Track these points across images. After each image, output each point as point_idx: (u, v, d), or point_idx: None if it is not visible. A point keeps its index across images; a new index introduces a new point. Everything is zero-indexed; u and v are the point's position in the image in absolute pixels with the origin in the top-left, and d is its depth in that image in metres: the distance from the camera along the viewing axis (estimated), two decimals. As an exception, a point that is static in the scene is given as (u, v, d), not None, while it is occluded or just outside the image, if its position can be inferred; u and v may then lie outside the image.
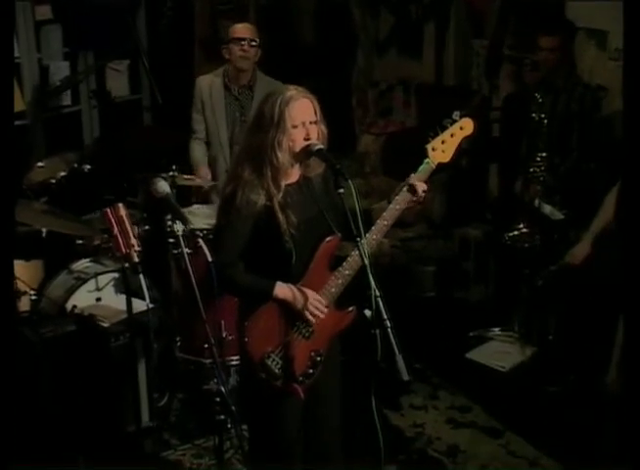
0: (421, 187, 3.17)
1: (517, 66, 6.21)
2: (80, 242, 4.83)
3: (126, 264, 3.60)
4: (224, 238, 3.15)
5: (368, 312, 2.85)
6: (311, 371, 3.22)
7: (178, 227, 3.23)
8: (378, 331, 2.81)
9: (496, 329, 5.46)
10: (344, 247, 3.23)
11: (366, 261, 2.90)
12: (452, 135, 3.24)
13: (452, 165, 3.36)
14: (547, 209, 5.03)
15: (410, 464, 4.31)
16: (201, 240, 4.04)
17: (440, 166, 3.26)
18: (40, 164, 5.18)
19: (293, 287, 3.13)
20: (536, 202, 5.04)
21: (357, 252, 2.99)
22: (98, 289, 4.56)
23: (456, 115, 3.25)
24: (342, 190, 2.99)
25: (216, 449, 3.98)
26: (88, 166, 5.25)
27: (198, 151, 5.17)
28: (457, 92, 6.70)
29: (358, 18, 7.44)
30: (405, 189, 3.17)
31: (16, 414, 3.72)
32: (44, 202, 5.02)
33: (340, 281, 3.17)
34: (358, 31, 7.49)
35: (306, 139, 3.08)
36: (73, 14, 6.72)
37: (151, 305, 3.80)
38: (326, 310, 3.15)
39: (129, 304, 3.74)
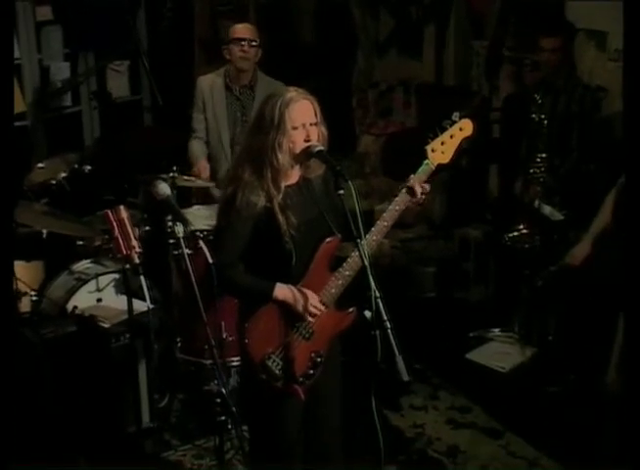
0: (420, 188, 3.18)
1: (517, 66, 6.22)
2: (81, 243, 4.84)
3: (127, 266, 3.61)
4: (224, 239, 3.16)
5: (368, 313, 2.86)
6: (311, 372, 3.22)
7: (179, 229, 3.24)
8: (378, 332, 2.81)
9: (496, 330, 5.46)
10: (344, 248, 3.24)
11: (366, 262, 2.90)
12: (452, 136, 3.24)
13: (452, 166, 3.36)
14: (547, 209, 5.04)
15: (410, 465, 4.31)
16: (201, 241, 4.05)
17: (440, 167, 3.26)
18: (41, 164, 5.18)
19: (293, 288, 3.14)
20: (536, 202, 5.05)
21: (357, 253, 3.00)
22: (98, 290, 4.56)
23: (455, 116, 3.26)
24: (342, 191, 2.99)
25: (217, 450, 3.98)
26: (89, 167, 5.26)
27: (197, 147, 5.17)
28: (457, 93, 6.70)
29: (358, 18, 7.45)
30: (404, 190, 3.18)
31: (17, 415, 3.74)
32: (45, 203, 5.03)
33: (340, 282, 3.17)
34: (358, 32, 7.50)
35: (306, 141, 3.09)
36: (74, 15, 6.72)
37: (151, 306, 3.81)
38: (324, 309, 3.16)
39: (130, 304, 3.75)
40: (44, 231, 4.69)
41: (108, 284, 4.57)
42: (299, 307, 3.13)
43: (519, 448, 4.39)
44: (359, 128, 7.60)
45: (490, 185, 6.39)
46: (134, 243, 3.45)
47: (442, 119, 3.29)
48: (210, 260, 3.26)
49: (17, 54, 6.35)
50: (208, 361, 4.30)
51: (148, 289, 3.73)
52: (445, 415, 4.72)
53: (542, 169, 5.05)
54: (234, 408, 3.25)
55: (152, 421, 4.33)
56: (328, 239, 3.18)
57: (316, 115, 3.12)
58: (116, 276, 4.56)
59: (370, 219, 3.16)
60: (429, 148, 3.21)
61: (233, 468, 4.14)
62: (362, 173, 7.24)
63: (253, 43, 5.01)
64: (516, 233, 5.21)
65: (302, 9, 7.73)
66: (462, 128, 3.26)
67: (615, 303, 3.96)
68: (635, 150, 3.06)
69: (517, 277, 5.32)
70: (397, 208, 3.17)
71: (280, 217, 3.10)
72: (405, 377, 2.81)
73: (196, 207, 4.95)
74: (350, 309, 3.25)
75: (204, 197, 5.13)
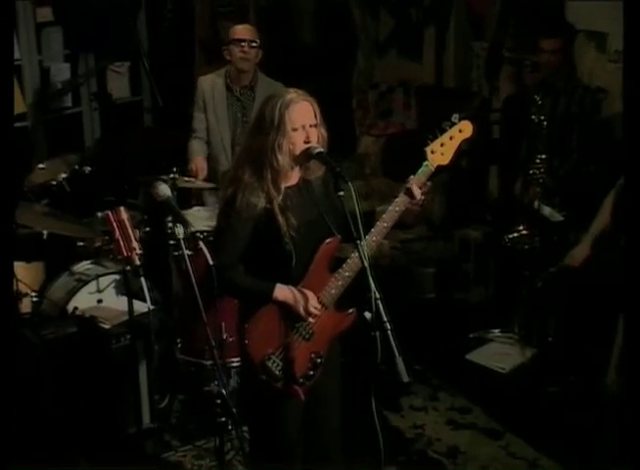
0: (420, 190, 3.18)
1: (517, 67, 6.22)
2: (81, 244, 4.84)
3: (128, 267, 3.61)
4: (224, 240, 3.17)
5: (368, 315, 2.86)
6: (311, 373, 3.23)
7: (179, 230, 3.24)
8: (378, 333, 2.82)
9: (496, 330, 5.47)
10: (344, 248, 3.24)
11: (366, 264, 2.91)
12: (451, 138, 3.24)
13: (452, 167, 3.36)
14: (547, 210, 5.04)
15: (410, 465, 4.32)
16: (201, 242, 4.05)
17: (440, 169, 3.27)
18: (41, 165, 5.18)
19: (293, 289, 3.14)
20: (536, 203, 5.05)
21: (357, 254, 3.00)
22: (99, 291, 4.57)
23: (455, 117, 3.26)
24: (342, 192, 2.99)
25: (217, 451, 3.98)
26: (89, 168, 5.27)
27: (196, 146, 5.17)
28: (457, 94, 6.71)
29: (358, 19, 7.45)
30: (404, 192, 3.18)
31: (17, 415, 3.74)
32: (45, 204, 5.03)
33: (339, 283, 3.18)
34: (358, 32, 7.50)
35: (306, 142, 3.09)
36: (74, 16, 6.73)
37: (152, 307, 3.81)
38: (324, 310, 3.17)
39: (130, 305, 3.75)
40: (44, 232, 4.69)
41: (108, 285, 4.57)
42: (299, 308, 3.13)
43: (519, 449, 4.40)
44: (359, 129, 7.60)
45: (490, 186, 6.39)
46: (135, 244, 3.46)
47: (442, 121, 3.29)
48: (211, 262, 3.26)
49: (17, 55, 6.36)
50: (209, 362, 4.30)
51: (148, 290, 3.74)
52: (445, 416, 4.72)
53: (542, 170, 5.06)
54: (234, 409, 3.25)
55: (152, 422, 4.33)
56: (328, 240, 3.18)
57: (316, 116, 3.13)
58: (117, 277, 4.56)
59: (370, 221, 3.16)
60: (428, 149, 3.22)
61: (233, 469, 4.15)
62: (362, 174, 7.24)
63: (254, 44, 5.01)
64: (516, 234, 5.21)
65: (302, 10, 7.74)
66: (461, 130, 3.26)
67: (614, 304, 3.96)
68: (635, 151, 3.07)
69: (516, 278, 5.33)
70: (397, 209, 3.18)
71: (280, 219, 3.10)
72: (405, 378, 2.81)
73: (196, 208, 4.96)
74: (350, 310, 3.26)
75: (203, 198, 5.14)
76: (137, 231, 3.68)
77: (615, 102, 5.14)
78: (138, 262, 3.49)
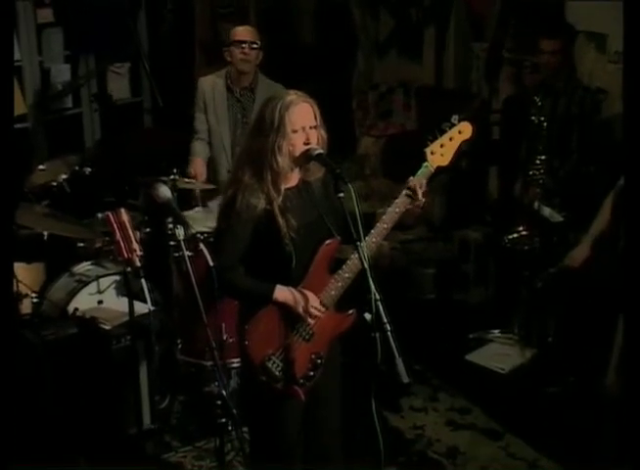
0: (420, 191, 3.18)
1: (516, 68, 6.23)
2: (82, 245, 4.85)
3: (128, 269, 3.62)
4: (225, 242, 3.17)
5: (368, 316, 2.87)
6: (312, 374, 3.23)
7: (179, 232, 3.25)
8: (378, 334, 2.82)
9: (496, 331, 5.47)
10: (344, 250, 3.25)
11: (366, 265, 2.91)
12: (451, 139, 3.25)
13: (452, 168, 3.36)
14: (546, 211, 5.05)
15: (410, 466, 4.32)
16: (201, 244, 4.06)
17: (439, 170, 3.27)
18: (41, 166, 5.19)
19: (293, 290, 3.15)
20: (536, 204, 5.06)
21: (357, 255, 3.01)
22: (99, 292, 4.58)
23: (455, 118, 3.27)
24: (341, 194, 3.00)
25: (217, 452, 3.98)
26: (89, 169, 5.27)
27: (198, 148, 5.18)
28: (457, 95, 6.71)
29: (358, 19, 7.45)
30: (404, 193, 3.19)
31: (18, 416, 3.75)
32: (46, 205, 5.04)
33: (339, 284, 3.18)
34: (358, 33, 7.50)
35: (306, 144, 3.10)
36: (75, 17, 6.74)
37: (152, 308, 3.82)
38: (324, 311, 3.18)
39: (131, 307, 3.76)
40: (45, 233, 4.70)
41: (108, 286, 4.58)
42: (300, 309, 3.14)
43: (518, 450, 4.40)
44: (359, 130, 7.60)
45: (490, 187, 6.39)
46: (135, 246, 3.46)
47: (442, 122, 3.30)
48: (211, 263, 3.27)
49: (17, 56, 6.37)
50: (209, 363, 4.31)
51: (149, 291, 3.74)
52: (445, 416, 4.73)
53: (542, 171, 5.06)
54: (234, 410, 3.26)
55: (153, 423, 4.34)
56: (327, 241, 3.19)
57: (316, 118, 3.13)
58: (117, 278, 4.57)
59: (371, 222, 3.17)
60: (428, 150, 3.22)
61: (233, 469, 4.15)
62: (362, 175, 7.24)
63: (254, 45, 5.01)
64: (515, 235, 5.22)
65: (302, 11, 7.74)
66: (461, 131, 3.26)
67: (614, 304, 3.97)
68: (635, 152, 3.07)
69: (516, 279, 5.33)
70: (397, 210, 3.18)
71: (280, 220, 3.11)
72: (405, 379, 2.82)
73: (196, 209, 4.96)
74: (350, 311, 3.26)
75: (204, 199, 5.14)
76: (137, 233, 3.69)
77: (614, 103, 5.14)
78: (139, 264, 3.49)
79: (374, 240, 3.16)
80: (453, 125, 3.26)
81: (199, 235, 4.32)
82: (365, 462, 3.59)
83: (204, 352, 4.27)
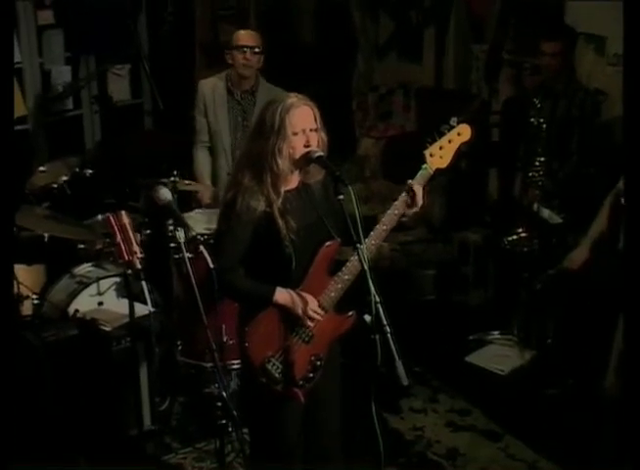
0: (419, 193, 3.19)
1: (516, 70, 6.23)
2: (82, 246, 4.85)
3: (129, 271, 3.62)
4: (225, 243, 3.18)
5: (368, 318, 2.88)
6: (311, 375, 3.24)
7: (180, 234, 3.26)
8: (377, 336, 2.83)
9: (495, 333, 5.48)
10: (344, 251, 3.26)
11: (366, 267, 2.92)
12: (450, 141, 3.26)
13: (451, 169, 3.37)
14: (546, 213, 5.05)
15: (410, 467, 4.33)
16: (202, 246, 4.06)
17: (438, 172, 3.28)
18: (42, 168, 5.20)
19: (292, 292, 3.16)
20: (535, 206, 5.06)
21: (357, 257, 3.01)
22: (100, 293, 4.58)
23: (454, 121, 3.27)
24: (341, 196, 3.01)
25: (217, 453, 4.00)
26: (90, 171, 5.27)
27: (202, 161, 5.18)
28: (457, 96, 6.71)
29: (358, 21, 7.46)
30: (403, 195, 3.20)
31: (18, 418, 3.75)
32: (46, 207, 5.04)
33: (339, 286, 3.19)
34: (358, 35, 7.51)
35: (306, 146, 3.11)
36: (75, 19, 6.73)
37: (152, 310, 3.82)
38: (324, 313, 3.18)
39: (131, 308, 3.77)
40: (45, 235, 4.71)
41: (109, 288, 4.59)
42: (299, 312, 3.15)
43: (518, 451, 4.41)
44: (359, 131, 7.61)
45: (490, 188, 6.40)
46: (136, 248, 3.47)
47: (442, 123, 3.30)
48: (211, 265, 3.28)
49: (18, 58, 6.36)
50: (209, 364, 4.32)
51: (149, 292, 3.75)
52: (445, 418, 4.73)
53: (541, 173, 5.06)
54: (234, 411, 3.26)
55: (153, 424, 4.34)
56: (327, 243, 3.20)
57: (316, 120, 3.14)
58: (118, 280, 4.58)
59: (372, 225, 3.18)
60: (427, 153, 3.23)
61: (233, 471, 4.16)
62: (362, 177, 7.25)
63: (256, 50, 5.00)
64: (515, 236, 5.21)
65: (303, 13, 7.75)
66: (460, 133, 3.27)
67: (613, 306, 3.97)
68: (635, 154, 3.08)
69: (516, 280, 5.34)
70: (397, 212, 3.19)
71: (280, 222, 3.12)
72: (405, 381, 2.82)
73: (196, 210, 4.97)
74: (350, 313, 3.27)
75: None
76: (138, 235, 3.69)
77: (613, 105, 5.15)
78: (139, 266, 3.50)
79: (373, 242, 3.16)
80: (452, 127, 3.27)
81: (199, 237, 4.33)
82: (365, 463, 3.60)
83: (204, 354, 4.27)
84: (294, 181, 3.22)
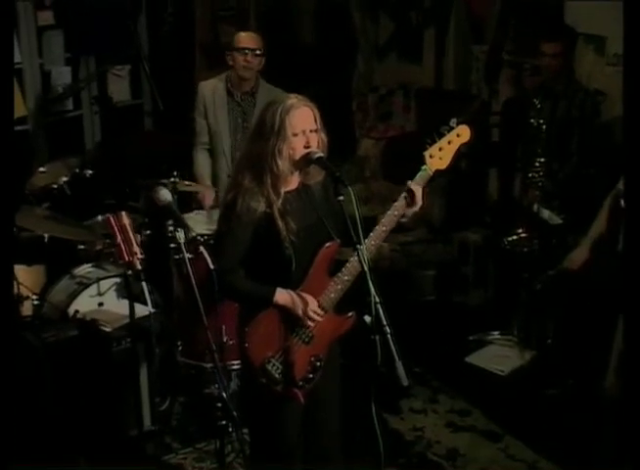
0: (420, 195, 3.19)
1: (516, 71, 6.23)
2: (82, 247, 4.86)
3: (129, 272, 3.62)
4: (225, 245, 3.18)
5: (368, 318, 2.88)
6: (311, 376, 3.25)
7: (180, 235, 3.26)
8: (377, 337, 2.83)
9: (495, 333, 5.48)
10: (344, 252, 3.26)
11: (365, 268, 2.92)
12: (449, 142, 3.26)
13: (451, 170, 3.38)
14: (546, 213, 5.06)
15: (410, 468, 4.33)
16: (202, 247, 4.07)
17: (438, 173, 3.29)
18: (42, 169, 5.20)
19: (292, 293, 3.16)
20: (535, 207, 5.07)
21: (356, 257, 3.02)
22: (100, 294, 4.59)
23: (453, 122, 3.28)
24: (341, 197, 3.01)
25: (218, 453, 4.00)
26: (90, 171, 5.27)
27: (202, 163, 5.18)
28: (457, 97, 6.71)
29: (358, 22, 7.46)
30: (403, 196, 3.20)
31: (18, 419, 3.76)
32: (46, 207, 5.04)
33: (339, 286, 3.19)
34: (358, 36, 7.51)
35: (306, 147, 3.11)
36: (75, 19, 6.73)
37: (152, 311, 3.82)
38: (324, 314, 3.19)
39: (131, 309, 3.77)
40: (45, 235, 4.71)
41: (109, 288, 4.59)
42: (299, 312, 3.15)
43: (518, 451, 4.41)
44: (359, 132, 7.61)
45: (490, 189, 6.40)
46: (136, 249, 3.47)
47: (442, 124, 3.31)
48: (211, 265, 3.28)
49: (18, 58, 6.37)
50: (209, 365, 4.32)
51: (149, 293, 3.74)
52: (445, 418, 4.74)
53: (541, 174, 5.06)
54: (234, 412, 3.26)
55: (153, 424, 4.35)
56: (327, 244, 3.20)
57: (316, 121, 3.15)
58: (118, 280, 4.58)
59: (371, 226, 3.18)
60: (427, 154, 3.23)
61: (234, 471, 4.17)
62: (362, 177, 7.25)
63: (257, 52, 4.99)
64: (515, 237, 5.22)
65: (303, 13, 7.75)
66: (459, 134, 3.27)
67: (613, 306, 3.98)
68: (635, 154, 3.08)
69: (516, 281, 5.34)
70: (396, 213, 3.20)
71: (280, 223, 3.12)
72: (405, 382, 2.83)
73: (196, 211, 4.97)
74: (350, 314, 3.28)
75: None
76: (138, 235, 3.70)
77: (613, 105, 5.15)
78: (139, 267, 3.50)
79: (373, 243, 3.17)
80: (452, 129, 3.28)
81: (199, 238, 4.33)
82: (365, 464, 3.60)
83: (204, 354, 4.28)
84: (294, 182, 3.23)
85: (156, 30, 7.49)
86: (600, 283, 4.44)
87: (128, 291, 3.92)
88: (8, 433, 3.02)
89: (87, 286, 4.57)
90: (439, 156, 3.25)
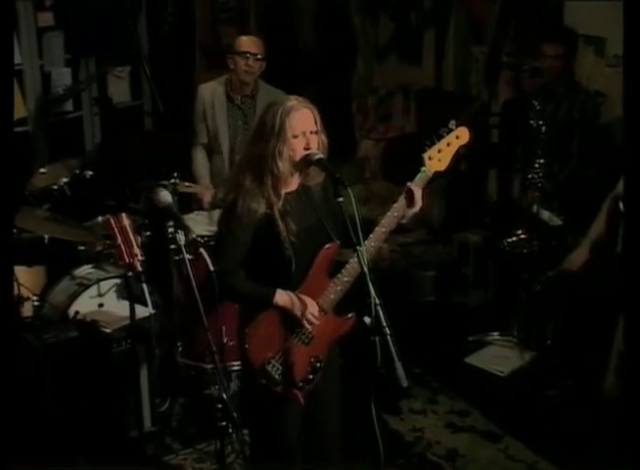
0: (420, 196, 3.20)
1: (516, 72, 6.24)
2: (82, 248, 4.86)
3: (130, 273, 3.63)
4: (225, 246, 3.19)
5: (367, 319, 2.88)
6: (311, 377, 3.25)
7: (180, 236, 3.26)
8: (377, 338, 2.84)
9: (495, 334, 5.49)
10: (344, 252, 3.27)
11: (365, 269, 2.93)
12: (448, 144, 3.27)
13: (451, 171, 3.38)
14: (545, 215, 5.06)
15: (409, 468, 4.34)
16: (202, 248, 4.07)
17: (437, 174, 3.29)
18: (42, 170, 5.19)
19: (292, 294, 3.17)
20: (534, 208, 5.07)
21: (356, 259, 3.02)
22: (100, 295, 4.59)
23: (452, 124, 3.28)
24: (341, 198, 3.02)
25: (218, 454, 4.01)
26: (90, 172, 5.27)
27: (200, 161, 5.19)
28: (456, 98, 6.72)
29: (358, 24, 7.47)
30: (402, 197, 3.21)
31: (18, 420, 3.76)
32: (47, 208, 5.04)
33: (338, 288, 3.20)
34: (358, 37, 7.52)
35: (306, 149, 3.12)
36: (75, 20, 6.73)
37: (153, 312, 3.83)
38: (323, 316, 3.19)
39: (132, 310, 3.77)
40: (46, 236, 4.71)
41: (109, 289, 4.60)
42: (298, 314, 3.16)
43: (517, 452, 4.42)
44: (359, 133, 7.61)
45: (489, 190, 6.41)
46: (136, 251, 3.48)
47: (442, 125, 3.32)
48: (211, 267, 3.28)
49: (18, 59, 6.37)
50: (209, 366, 4.33)
51: (149, 294, 3.75)
52: (444, 419, 4.74)
53: (540, 175, 5.07)
54: (235, 413, 3.27)
55: (153, 425, 4.36)
56: (327, 245, 3.21)
57: (316, 123, 3.15)
58: (118, 281, 4.58)
59: (371, 227, 3.19)
60: (426, 156, 3.24)
61: (234, 472, 4.17)
62: (362, 178, 7.26)
63: (259, 57, 4.99)
64: (514, 238, 5.22)
65: (303, 15, 7.75)
66: (458, 136, 3.28)
67: (612, 307, 3.98)
68: (635, 155, 3.08)
69: (515, 282, 5.34)
70: (396, 214, 3.21)
71: (280, 224, 3.13)
72: (404, 383, 2.83)
73: (196, 212, 4.98)
74: (349, 315, 3.28)
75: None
76: (139, 237, 3.70)
77: (613, 106, 5.16)
78: (140, 269, 3.51)
79: (372, 244, 3.17)
80: (451, 131, 3.29)
81: (199, 239, 4.33)
82: (365, 465, 3.60)
83: (204, 355, 4.28)
84: (294, 183, 3.23)
85: (156, 31, 7.48)
86: (600, 284, 4.45)
87: (129, 292, 3.93)
88: (8, 433, 3.03)
89: (87, 287, 4.58)
90: (438, 157, 3.26)
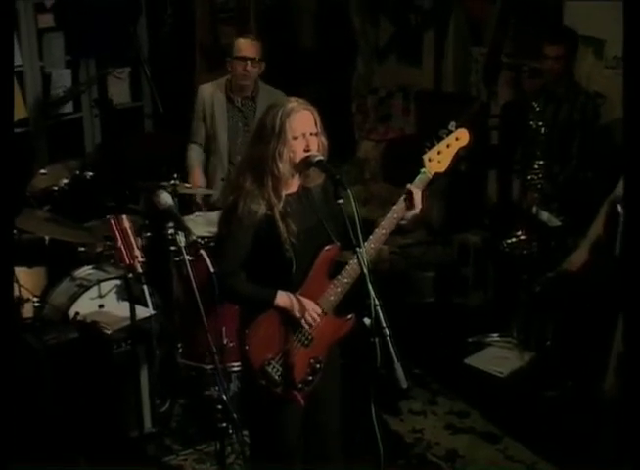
0: (420, 198, 3.21)
1: (515, 73, 6.25)
2: (83, 249, 4.86)
3: (130, 275, 3.63)
4: (226, 247, 3.20)
5: (367, 321, 2.89)
6: (311, 378, 3.26)
7: (180, 238, 3.27)
8: (377, 339, 2.84)
9: (495, 335, 5.49)
10: (344, 254, 3.27)
11: (365, 271, 2.93)
12: (448, 146, 3.28)
13: (451, 172, 3.39)
14: (545, 216, 5.07)
15: (409, 469, 4.34)
16: (202, 250, 4.08)
17: (437, 175, 3.30)
18: (43, 171, 5.20)
19: (292, 296, 3.17)
20: (534, 209, 5.08)
21: (356, 260, 3.03)
22: (100, 296, 4.59)
23: (452, 125, 3.29)
24: (341, 200, 3.02)
25: (218, 455, 4.01)
26: (90, 174, 5.27)
27: (193, 155, 5.21)
28: (456, 99, 6.73)
29: (358, 25, 7.48)
30: (402, 199, 3.22)
31: (19, 421, 3.77)
32: (47, 209, 5.05)
33: (338, 289, 3.21)
34: (358, 38, 7.52)
35: (306, 150, 3.12)
36: (75, 22, 6.74)
37: (153, 313, 3.83)
38: (323, 317, 3.20)
39: (132, 311, 3.78)
40: (46, 237, 4.72)
41: (110, 290, 4.60)
42: (298, 315, 3.16)
43: (517, 453, 4.42)
44: (359, 134, 7.62)
45: (489, 191, 6.41)
46: (137, 252, 3.48)
47: (441, 126, 3.32)
48: (211, 268, 3.29)
49: (19, 60, 6.37)
50: (209, 367, 4.33)
51: (149, 295, 3.76)
52: (444, 420, 4.74)
53: (540, 176, 5.07)
54: (235, 414, 3.28)
55: (153, 426, 4.36)
56: (327, 247, 3.22)
57: (316, 125, 3.16)
58: (118, 282, 4.58)
59: (371, 228, 3.19)
60: (425, 157, 3.25)
61: (234, 473, 4.17)
62: (362, 179, 7.26)
63: (256, 60, 4.99)
64: (514, 239, 5.22)
65: (303, 15, 7.76)
66: (458, 138, 3.29)
67: (612, 308, 3.99)
68: (635, 156, 3.09)
69: (515, 283, 5.34)
70: (396, 216, 3.21)
71: (280, 225, 3.13)
72: (404, 384, 2.84)
73: (196, 213, 4.98)
74: (349, 316, 3.28)
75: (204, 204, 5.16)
76: (139, 239, 3.71)
77: (612, 108, 5.16)
78: (140, 270, 3.51)
79: (372, 245, 3.18)
80: (450, 132, 3.29)
81: (199, 240, 4.34)
82: (365, 465, 3.61)
83: (204, 356, 4.28)
84: (294, 185, 3.24)
85: (155, 32, 7.48)
86: (599, 285, 4.45)
87: (129, 293, 3.93)
88: (8, 433, 3.04)
89: (88, 288, 4.57)
90: (438, 159, 3.26)
